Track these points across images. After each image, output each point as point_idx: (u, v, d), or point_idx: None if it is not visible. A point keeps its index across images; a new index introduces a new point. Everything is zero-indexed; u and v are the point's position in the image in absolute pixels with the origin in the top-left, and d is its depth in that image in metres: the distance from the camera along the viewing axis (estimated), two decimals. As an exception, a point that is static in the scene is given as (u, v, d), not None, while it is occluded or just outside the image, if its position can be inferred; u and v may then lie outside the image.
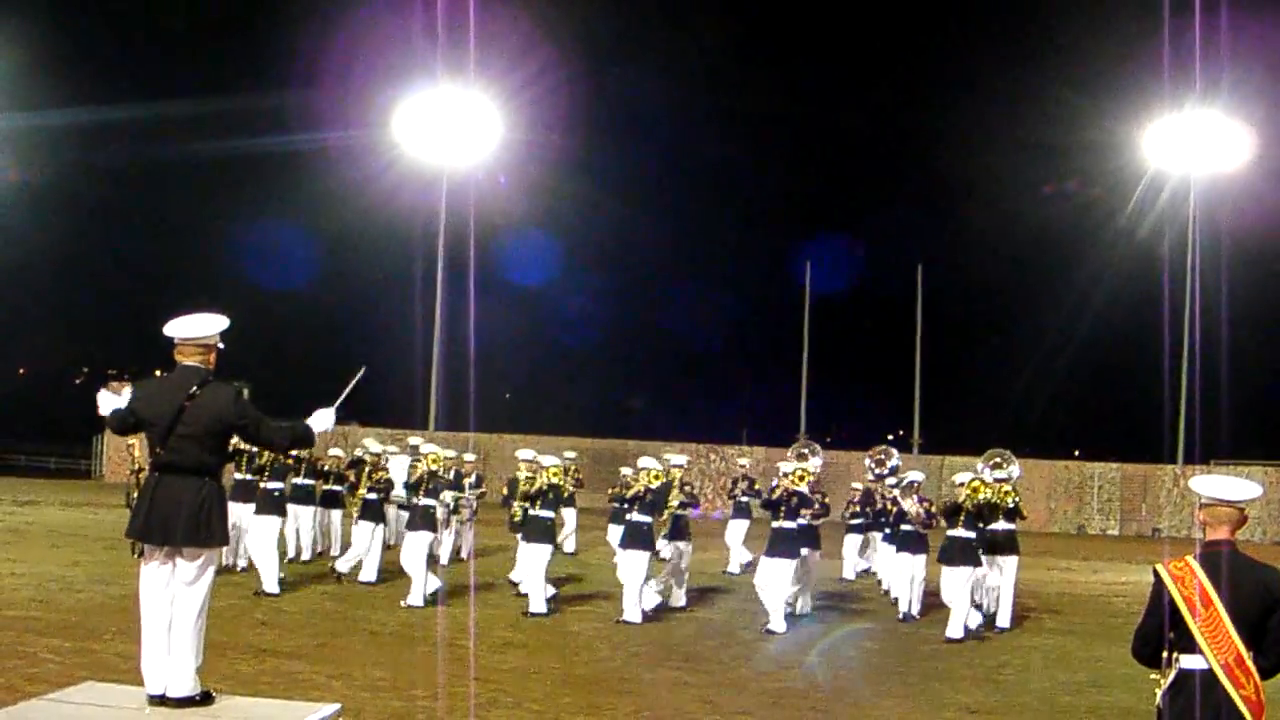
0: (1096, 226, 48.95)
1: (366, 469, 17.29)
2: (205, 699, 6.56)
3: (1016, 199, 61.34)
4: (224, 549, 16.87)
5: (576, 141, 55.99)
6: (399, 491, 16.26)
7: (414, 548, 14.88)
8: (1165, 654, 5.54)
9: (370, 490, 16.78)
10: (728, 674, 11.66)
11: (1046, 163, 57.56)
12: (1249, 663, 5.37)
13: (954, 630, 14.04)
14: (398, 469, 16.32)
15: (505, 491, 16.09)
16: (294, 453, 16.70)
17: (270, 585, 14.94)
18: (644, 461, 15.64)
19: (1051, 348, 55.28)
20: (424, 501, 15.14)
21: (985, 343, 68.26)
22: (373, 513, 16.73)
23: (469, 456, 20.05)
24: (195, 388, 6.62)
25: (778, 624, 14.15)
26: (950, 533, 14.46)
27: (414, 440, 18.64)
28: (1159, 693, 5.55)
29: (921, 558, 15.75)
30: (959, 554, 14.29)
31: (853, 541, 20.26)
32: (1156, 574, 5.60)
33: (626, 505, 15.11)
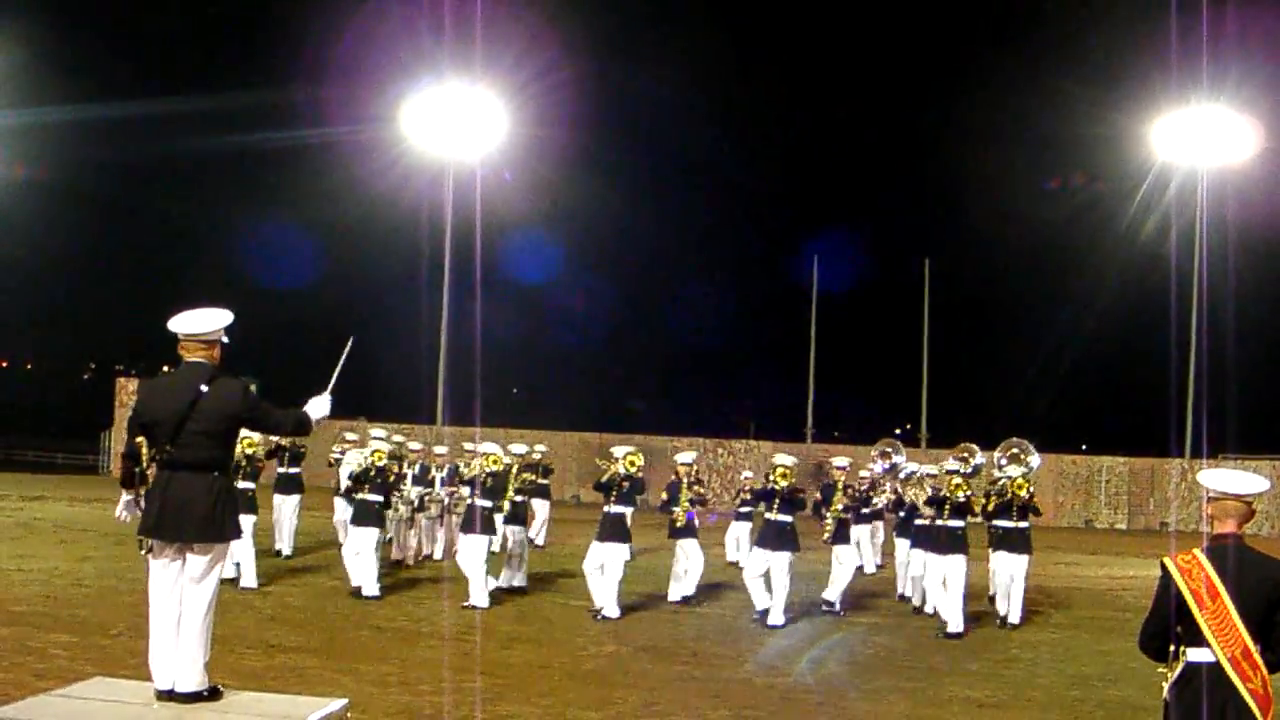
0: (1103, 220, 48.85)
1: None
2: (213, 694, 6.57)
3: (1023, 193, 61.31)
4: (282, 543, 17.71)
5: (582, 138, 55.94)
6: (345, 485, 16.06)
7: (471, 549, 14.75)
8: (1172, 647, 5.55)
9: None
10: (734, 669, 11.67)
11: (1053, 157, 57.59)
12: (1256, 656, 5.37)
13: (775, 618, 14.18)
14: (353, 464, 16.15)
15: (665, 496, 15.69)
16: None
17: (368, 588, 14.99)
18: (485, 446, 15.59)
19: (1058, 341, 55.21)
20: (481, 503, 14.82)
21: (992, 336, 68.22)
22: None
23: (439, 450, 19.95)
24: (203, 384, 6.62)
25: (610, 609, 14.20)
26: (768, 516, 14.48)
27: (378, 433, 18.53)
28: (1166, 686, 5.56)
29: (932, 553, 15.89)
30: (774, 539, 14.30)
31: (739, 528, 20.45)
32: (1164, 567, 5.60)
33: (469, 489, 15.11)
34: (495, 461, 15.06)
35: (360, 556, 14.83)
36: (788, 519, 14.33)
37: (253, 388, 6.83)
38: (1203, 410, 39.14)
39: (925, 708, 10.32)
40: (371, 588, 14.73)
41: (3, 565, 15.94)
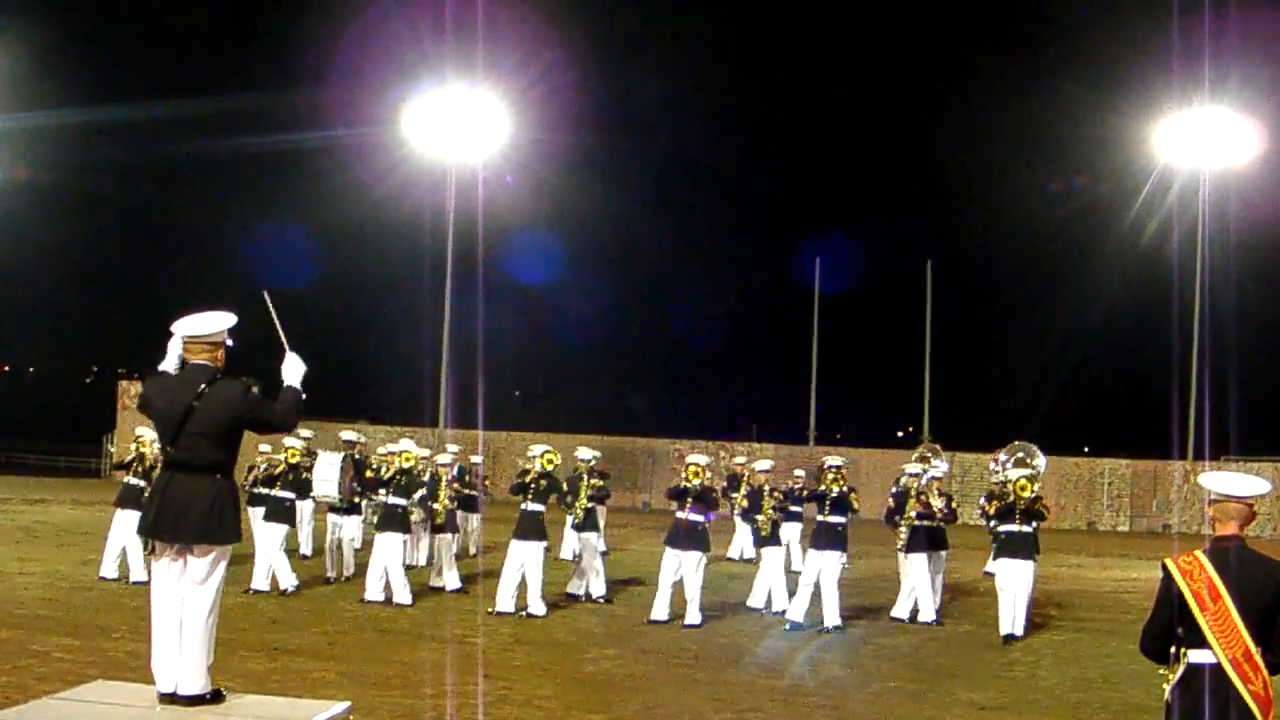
0: (1105, 222, 48.93)
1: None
2: (216, 697, 6.56)
3: (1024, 195, 61.37)
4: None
5: (583, 140, 55.98)
6: (330, 492, 15.97)
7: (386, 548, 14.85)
8: (1173, 649, 5.55)
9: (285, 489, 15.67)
10: (737, 672, 11.67)
11: (1055, 158, 57.68)
12: (1257, 657, 5.37)
13: (692, 617, 14.15)
14: (327, 467, 16.07)
15: (746, 504, 15.88)
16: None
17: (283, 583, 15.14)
18: (402, 444, 15.78)
19: (1061, 343, 55.27)
20: (395, 500, 15.00)
21: (994, 338, 68.24)
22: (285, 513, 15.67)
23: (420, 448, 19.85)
24: (204, 385, 6.62)
25: (537, 607, 14.30)
26: (679, 515, 14.43)
27: (347, 435, 18.49)
28: (1167, 688, 5.56)
29: (941, 554, 15.91)
30: (684, 539, 14.30)
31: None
32: (1165, 569, 5.60)
33: (383, 488, 15.26)
34: (408, 459, 15.23)
35: (275, 555, 15.04)
36: (699, 518, 14.37)
37: (255, 389, 6.82)
38: (1205, 412, 39.13)
39: (927, 710, 10.32)
40: (286, 581, 14.95)
41: (5, 568, 15.96)
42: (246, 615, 13.10)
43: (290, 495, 15.33)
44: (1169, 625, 5.55)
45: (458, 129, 41.45)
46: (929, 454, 17.78)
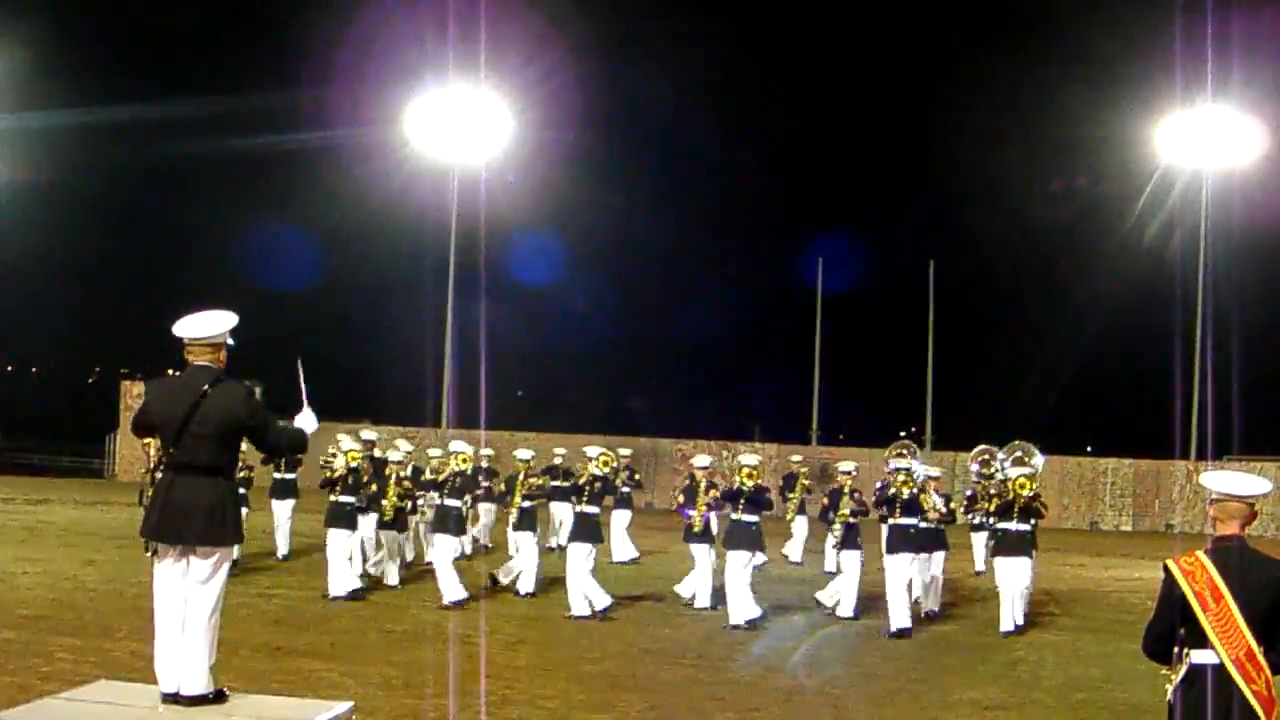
0: (1108, 222, 48.80)
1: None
2: (218, 697, 6.58)
3: (1026, 195, 61.27)
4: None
5: (587, 140, 55.91)
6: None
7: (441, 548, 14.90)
8: (1176, 649, 5.55)
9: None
10: (739, 672, 11.67)
11: (1056, 159, 57.50)
12: (1260, 657, 5.38)
13: (734, 618, 14.07)
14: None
15: (682, 499, 15.95)
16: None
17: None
18: (454, 445, 15.88)
19: (1063, 343, 55.12)
20: (451, 503, 15.04)
21: (997, 338, 68.08)
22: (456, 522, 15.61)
23: (431, 451, 19.76)
24: (207, 386, 6.63)
25: (599, 600, 14.33)
26: (733, 516, 14.44)
27: (366, 435, 18.46)
28: (1170, 688, 5.56)
29: (940, 554, 15.89)
30: (736, 539, 14.26)
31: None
32: (1167, 569, 5.61)
33: (436, 490, 15.43)
34: (465, 460, 15.26)
35: (331, 558, 15.04)
36: (753, 519, 14.34)
37: (258, 392, 6.84)
38: (1207, 412, 39.06)
39: (930, 709, 10.32)
40: (337, 588, 14.87)
41: (8, 568, 15.97)
42: (250, 616, 13.11)
43: (351, 500, 15.29)
44: (1171, 626, 5.56)
45: (460, 129, 41.41)
46: (904, 451, 17.79)
